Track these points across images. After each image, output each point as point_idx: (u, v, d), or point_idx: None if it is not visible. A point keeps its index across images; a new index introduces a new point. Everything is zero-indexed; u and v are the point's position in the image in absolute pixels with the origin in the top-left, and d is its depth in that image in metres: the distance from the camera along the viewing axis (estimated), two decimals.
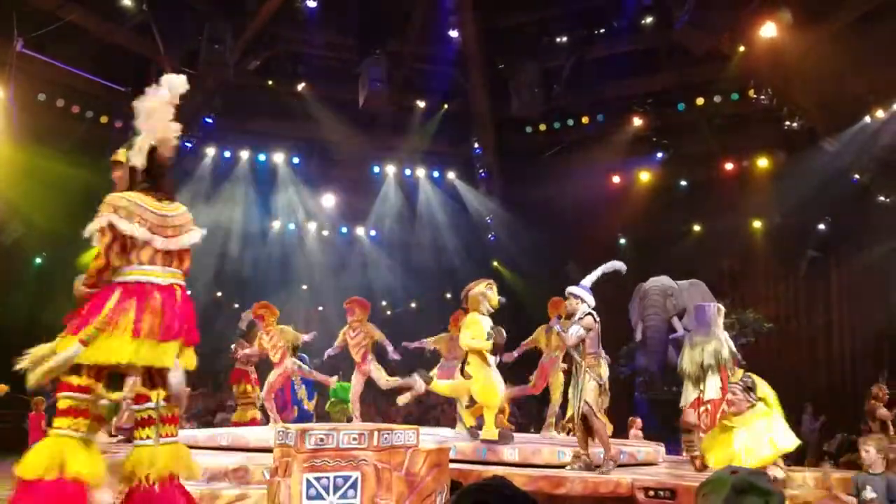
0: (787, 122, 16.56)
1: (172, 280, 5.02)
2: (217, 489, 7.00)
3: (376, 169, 21.46)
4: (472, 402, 8.24)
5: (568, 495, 6.83)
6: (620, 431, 10.59)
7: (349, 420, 10.59)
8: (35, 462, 4.46)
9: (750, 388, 4.97)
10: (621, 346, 16.04)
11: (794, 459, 12.21)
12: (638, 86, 18.84)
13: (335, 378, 11.18)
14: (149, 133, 4.94)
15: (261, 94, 19.24)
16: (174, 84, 4.80)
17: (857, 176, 16.57)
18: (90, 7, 15.52)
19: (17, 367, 4.79)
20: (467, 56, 18.97)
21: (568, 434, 9.39)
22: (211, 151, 19.72)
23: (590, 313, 7.36)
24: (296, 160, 20.68)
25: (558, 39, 18.09)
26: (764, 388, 5.15)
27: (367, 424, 8.56)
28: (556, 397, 9.65)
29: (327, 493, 5.41)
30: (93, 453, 4.82)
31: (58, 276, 18.26)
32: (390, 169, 21.34)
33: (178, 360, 4.70)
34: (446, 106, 20.06)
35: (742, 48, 15.77)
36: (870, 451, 5.59)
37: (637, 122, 18.82)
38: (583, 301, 7.47)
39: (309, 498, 5.37)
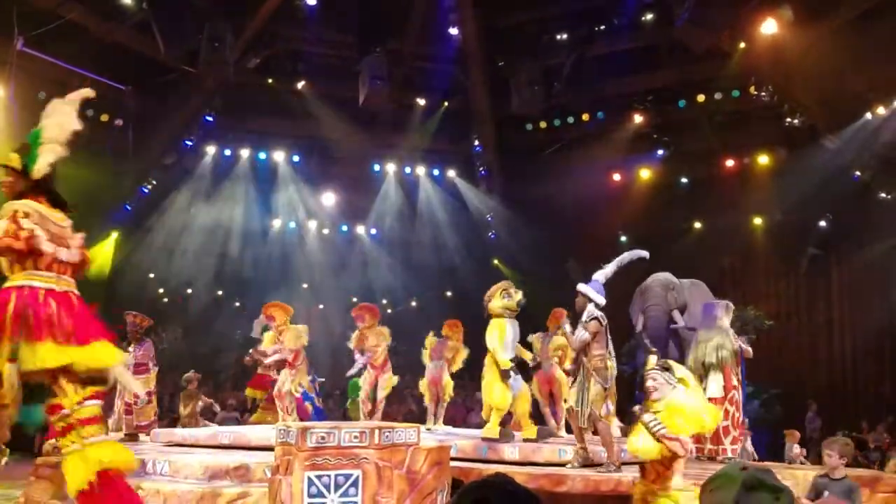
0: (788, 120, 16.53)
1: (67, 288, 5.08)
2: (218, 487, 7.00)
3: (376, 167, 21.44)
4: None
5: (569, 493, 6.84)
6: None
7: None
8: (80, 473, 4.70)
9: (667, 369, 4.96)
10: (623, 343, 16.00)
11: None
12: (638, 83, 18.82)
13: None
14: (55, 144, 5.08)
15: (261, 92, 19.22)
16: (77, 97, 4.95)
17: (858, 173, 16.56)
18: (90, 5, 15.51)
19: None
20: (467, 54, 18.94)
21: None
22: (211, 150, 19.71)
23: (596, 317, 7.30)
24: (296, 158, 20.67)
25: (558, 37, 18.05)
26: (682, 370, 5.12)
27: (368, 423, 8.57)
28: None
29: (328, 491, 5.41)
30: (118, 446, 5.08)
31: None
32: (390, 167, 21.32)
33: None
34: (446, 104, 20.03)
35: (743, 45, 15.74)
36: (832, 455, 5.56)
37: (637, 119, 18.78)
38: (590, 300, 7.41)
39: (310, 496, 5.37)
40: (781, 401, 16.43)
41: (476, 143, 20.66)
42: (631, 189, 19.71)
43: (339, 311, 19.63)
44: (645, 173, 19.60)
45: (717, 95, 17.62)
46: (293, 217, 21.71)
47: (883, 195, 16.47)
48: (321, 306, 21.57)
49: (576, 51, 17.53)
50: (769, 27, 14.64)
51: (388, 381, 10.11)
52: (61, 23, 14.75)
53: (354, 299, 21.69)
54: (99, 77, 16.59)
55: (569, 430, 9.01)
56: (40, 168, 5.09)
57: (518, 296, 8.24)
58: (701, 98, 17.85)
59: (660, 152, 19.23)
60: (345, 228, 22.49)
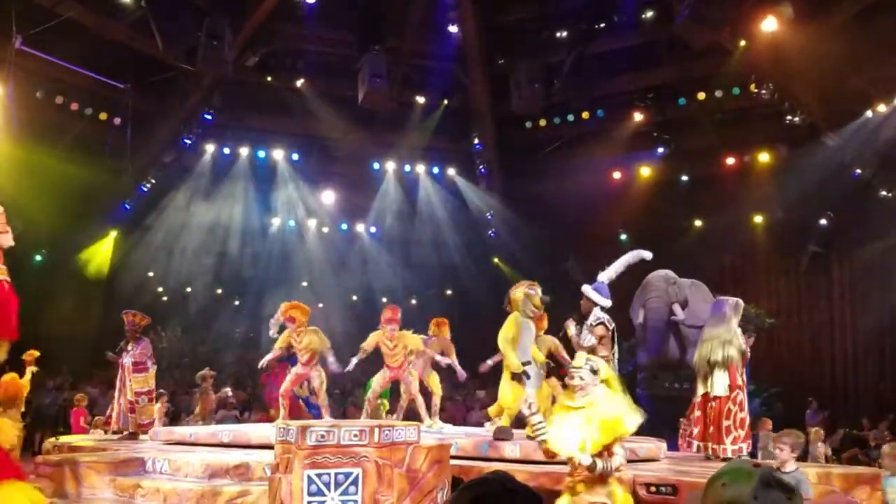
0: (789, 117, 16.50)
1: (3, 277, 5.16)
2: (218, 486, 6.99)
3: (376, 165, 21.41)
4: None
5: None
6: None
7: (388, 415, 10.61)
8: None
9: (595, 371, 4.94)
10: (623, 342, 15.99)
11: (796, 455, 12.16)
12: (638, 81, 18.78)
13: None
14: None
15: (260, 90, 19.19)
16: None
17: (858, 171, 16.53)
18: (89, 4, 15.48)
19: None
20: (467, 52, 18.91)
21: None
22: (210, 148, 19.69)
23: (602, 322, 7.25)
24: (295, 157, 20.64)
25: (558, 34, 18.01)
26: (608, 370, 5.10)
27: (368, 421, 8.55)
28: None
29: (328, 489, 5.39)
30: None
31: (58, 273, 18.26)
32: (390, 165, 21.30)
33: None
34: (446, 102, 20.01)
35: (743, 43, 15.72)
36: (784, 448, 5.49)
37: (638, 117, 18.76)
38: (595, 303, 7.35)
39: (310, 494, 5.35)
40: (782, 399, 16.42)
41: (476, 141, 20.64)
42: (631, 187, 19.68)
43: (338, 310, 19.64)
44: (645, 171, 19.58)
45: (718, 93, 17.59)
46: (293, 215, 21.69)
47: (884, 193, 16.45)
48: (321, 305, 21.54)
49: (576, 48, 17.48)
50: (769, 24, 14.61)
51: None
52: (60, 21, 14.73)
53: (354, 297, 21.78)
54: (97, 75, 16.60)
55: None
56: None
57: (539, 297, 8.14)
58: (701, 96, 17.81)
59: (660, 150, 19.20)
60: (344, 227, 22.47)
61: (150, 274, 20.58)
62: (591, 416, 4.73)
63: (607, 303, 7.34)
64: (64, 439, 9.92)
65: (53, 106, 16.47)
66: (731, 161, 18.57)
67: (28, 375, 10.13)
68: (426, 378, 10.25)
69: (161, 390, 14.60)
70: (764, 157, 18.02)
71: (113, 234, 19.56)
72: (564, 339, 7.65)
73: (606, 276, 7.56)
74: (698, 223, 19.29)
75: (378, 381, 9.96)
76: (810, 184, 16.35)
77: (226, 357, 21.05)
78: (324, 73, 19.19)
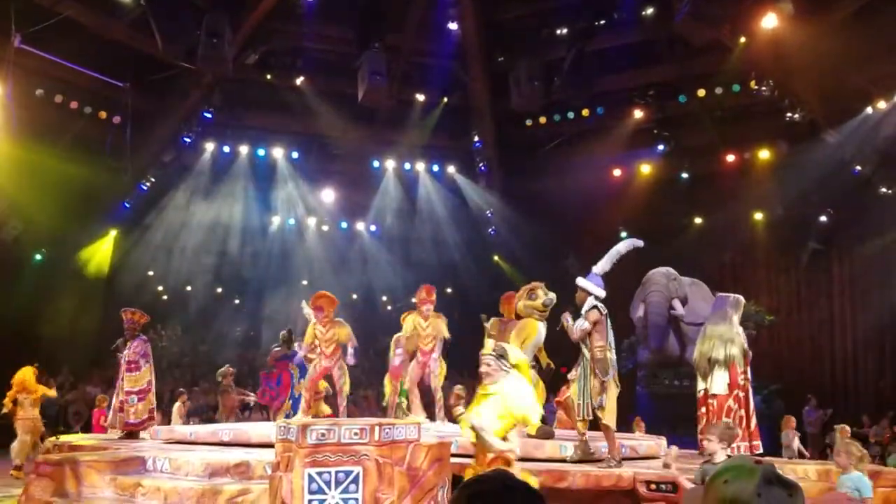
0: (789, 114, 16.48)
1: None
2: (219, 484, 6.99)
3: (376, 163, 21.40)
4: None
5: (570, 489, 6.82)
6: (623, 425, 10.57)
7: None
8: None
9: (502, 356, 4.96)
10: (623, 339, 16.01)
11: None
12: (639, 78, 18.76)
13: None
14: None
15: (260, 88, 19.18)
16: None
17: (858, 168, 16.52)
18: (88, 2, 15.45)
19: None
20: (467, 49, 18.89)
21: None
22: (210, 146, 19.67)
23: (595, 306, 7.29)
24: (295, 155, 20.63)
25: (558, 32, 18.00)
26: (518, 355, 5.12)
27: (368, 419, 8.54)
28: None
29: (329, 487, 5.39)
30: None
31: (58, 272, 18.26)
32: (390, 163, 21.28)
33: None
34: (446, 99, 19.99)
35: (743, 39, 15.69)
36: (712, 440, 5.45)
37: (638, 114, 18.74)
38: (589, 293, 7.40)
39: (311, 493, 5.35)
40: (782, 396, 16.43)
41: (476, 138, 20.63)
42: (631, 184, 19.67)
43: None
44: (645, 168, 19.56)
45: (718, 90, 17.56)
46: (292, 214, 21.68)
47: (884, 190, 16.44)
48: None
49: (575, 45, 17.46)
50: (770, 21, 14.59)
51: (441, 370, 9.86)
52: (59, 20, 14.71)
53: (354, 296, 21.77)
54: (97, 74, 16.57)
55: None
56: None
57: (544, 297, 8.13)
58: (701, 93, 17.79)
59: (660, 147, 19.19)
60: (344, 225, 22.47)
61: (150, 273, 20.59)
62: (497, 403, 4.75)
63: (601, 293, 7.37)
64: (64, 438, 9.93)
65: (53, 105, 16.46)
66: (731, 158, 18.56)
67: (44, 390, 10.29)
68: (401, 373, 10.18)
69: (181, 389, 14.65)
70: (764, 154, 18.01)
71: (113, 233, 19.55)
72: (562, 333, 7.69)
73: (600, 268, 7.59)
74: (698, 220, 19.29)
75: (411, 375, 9.91)
76: (810, 181, 16.35)
77: (226, 356, 21.06)
78: (323, 71, 19.17)
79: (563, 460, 7.44)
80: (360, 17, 17.30)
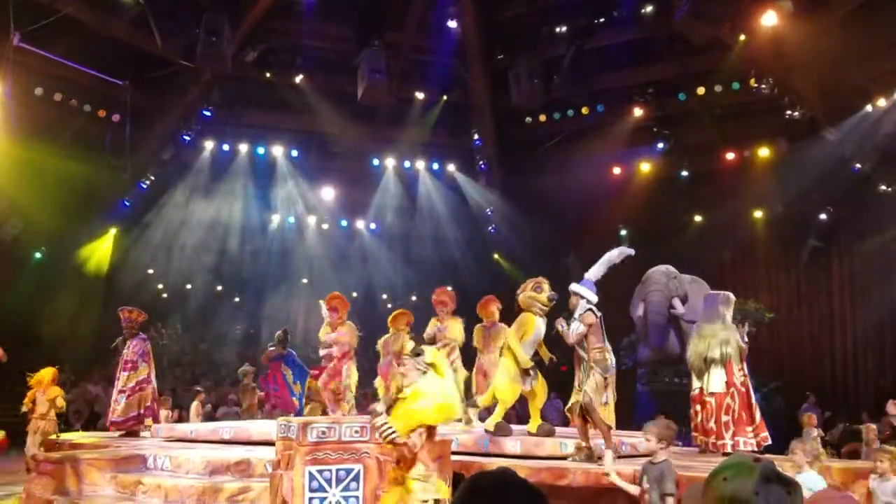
0: (789, 112, 16.47)
1: None
2: (219, 482, 7.00)
3: (376, 161, 21.39)
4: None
5: (570, 486, 6.82)
6: (623, 423, 10.56)
7: None
8: None
9: (418, 355, 4.96)
10: (623, 338, 16.03)
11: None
12: (638, 76, 18.75)
13: None
14: None
15: (259, 86, 19.17)
16: None
17: (858, 165, 16.50)
18: (87, 0, 15.44)
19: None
20: (466, 47, 18.88)
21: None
22: (209, 145, 19.66)
23: (590, 309, 7.32)
24: (294, 153, 20.62)
25: (558, 29, 17.98)
26: (433, 355, 5.11)
27: (368, 417, 8.53)
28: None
29: (330, 485, 5.40)
30: None
31: (57, 271, 18.25)
32: (390, 161, 21.27)
33: None
34: (445, 97, 19.98)
35: (743, 37, 15.67)
36: (650, 439, 5.42)
37: (637, 112, 18.73)
38: (582, 297, 7.43)
39: (311, 490, 5.35)
40: (782, 393, 16.44)
41: (475, 136, 20.62)
42: (631, 182, 19.66)
43: None
44: (645, 166, 19.55)
45: (718, 88, 17.55)
46: (292, 212, 21.67)
47: (883, 187, 16.43)
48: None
49: (575, 43, 17.45)
50: (769, 19, 14.57)
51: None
52: (58, 18, 14.69)
53: (354, 294, 21.76)
54: (96, 72, 16.56)
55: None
56: None
57: (549, 291, 8.12)
58: (701, 91, 17.79)
59: (660, 145, 19.17)
60: (344, 223, 22.46)
61: (150, 271, 20.58)
62: (410, 403, 4.76)
63: (594, 298, 7.40)
64: (65, 436, 9.93)
65: (52, 103, 16.45)
66: (730, 156, 18.55)
67: (56, 392, 10.36)
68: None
69: (198, 387, 14.65)
70: (764, 152, 18.00)
71: (112, 231, 19.55)
72: (557, 338, 7.73)
73: (593, 274, 7.62)
74: (698, 218, 19.28)
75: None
76: (810, 178, 16.34)
77: (226, 354, 21.07)
78: (323, 68, 19.15)
79: (564, 458, 7.44)
80: (359, 14, 17.29)
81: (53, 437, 9.99)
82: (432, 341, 9.61)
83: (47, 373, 11.13)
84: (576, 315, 7.38)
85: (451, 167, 21.68)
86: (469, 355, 10.00)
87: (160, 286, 21.23)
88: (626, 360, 16.07)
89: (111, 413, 10.21)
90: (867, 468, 7.61)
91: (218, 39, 15.50)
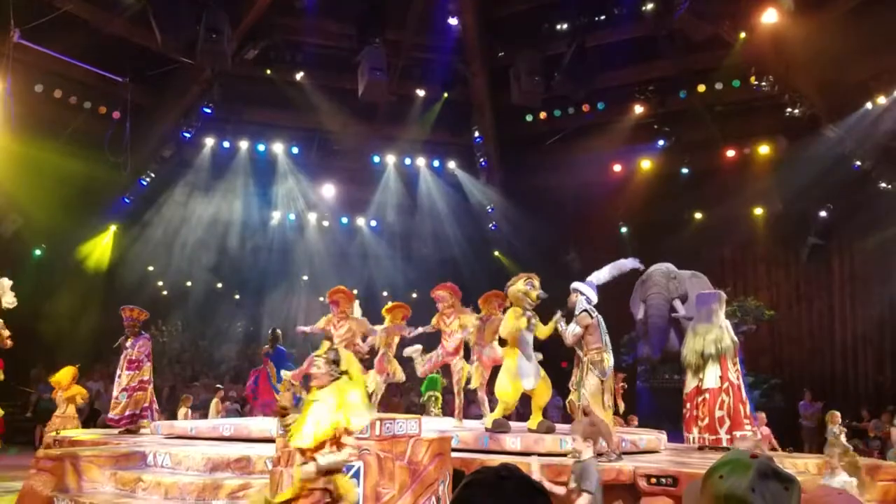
0: (789, 109, 16.47)
1: None
2: (219, 479, 7.00)
3: (376, 158, 21.38)
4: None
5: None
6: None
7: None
8: None
9: (335, 361, 4.90)
10: (623, 335, 16.04)
11: (795, 446, 12.20)
12: (639, 73, 18.74)
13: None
14: None
15: (259, 83, 19.14)
16: None
17: (858, 162, 16.52)
18: None
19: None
20: (467, 44, 18.86)
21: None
22: (210, 142, 19.65)
23: (585, 310, 7.33)
24: (295, 150, 20.61)
25: (558, 27, 17.97)
26: (351, 361, 5.06)
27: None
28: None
29: None
30: None
31: (57, 268, 18.24)
32: (390, 158, 21.27)
33: None
34: (446, 95, 19.96)
35: (743, 35, 15.66)
36: (576, 439, 5.40)
37: (638, 109, 18.73)
38: (582, 295, 7.43)
39: None
40: (781, 390, 16.46)
41: (476, 133, 20.61)
42: (632, 180, 19.66)
43: None
44: (646, 164, 19.54)
45: (718, 85, 17.56)
46: (293, 209, 21.66)
47: (883, 184, 16.43)
48: (321, 299, 21.56)
49: (576, 41, 17.44)
50: (770, 16, 14.57)
51: (463, 368, 9.60)
52: (58, 14, 14.68)
53: (355, 291, 21.74)
54: (96, 69, 16.54)
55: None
56: None
57: (539, 290, 8.09)
58: (702, 88, 17.79)
59: (660, 143, 19.18)
60: (345, 220, 22.45)
61: (150, 268, 20.57)
62: (320, 410, 4.70)
63: (594, 299, 7.40)
64: (65, 433, 9.93)
65: (52, 100, 16.44)
66: (731, 153, 18.55)
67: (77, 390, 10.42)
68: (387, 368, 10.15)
69: (219, 385, 14.66)
70: (764, 150, 18.00)
71: (112, 228, 19.54)
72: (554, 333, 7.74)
73: (597, 277, 7.62)
74: (699, 215, 19.28)
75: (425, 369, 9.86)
76: (810, 176, 16.34)
77: (226, 352, 21.07)
78: (323, 66, 19.13)
79: (563, 455, 7.44)
80: (360, 12, 17.28)
81: (53, 434, 10.00)
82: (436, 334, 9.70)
83: (67, 372, 11.19)
84: (574, 315, 7.41)
85: (451, 164, 21.67)
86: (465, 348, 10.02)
87: (160, 283, 21.22)
88: (625, 358, 16.10)
89: (111, 410, 10.22)
90: (868, 464, 7.62)
91: (218, 36, 15.48)
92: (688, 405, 8.70)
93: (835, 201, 17.33)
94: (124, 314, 10.54)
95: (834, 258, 18.30)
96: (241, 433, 8.91)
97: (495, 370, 8.75)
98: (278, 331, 12.67)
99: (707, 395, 8.45)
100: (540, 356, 8.28)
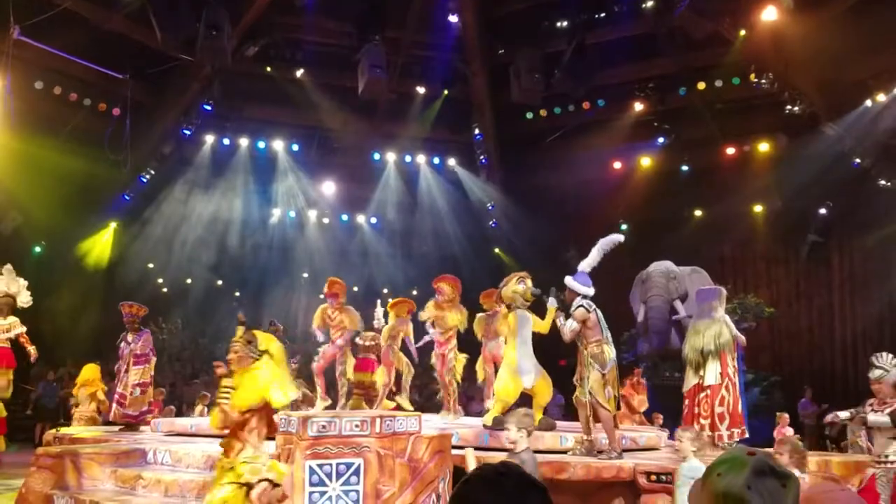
0: (789, 107, 16.47)
1: None
2: None
3: (377, 156, 21.38)
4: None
5: (570, 480, 6.84)
6: (624, 417, 10.60)
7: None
8: None
9: (250, 342, 4.95)
10: (623, 332, 16.05)
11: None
12: (639, 71, 18.74)
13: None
14: None
15: (259, 81, 19.13)
16: None
17: (858, 160, 16.52)
18: None
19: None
20: (467, 42, 18.86)
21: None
22: (210, 139, 19.64)
23: (581, 305, 7.32)
24: (295, 147, 20.61)
25: (558, 24, 17.97)
26: (270, 342, 5.10)
27: (369, 411, 8.56)
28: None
29: (330, 479, 5.40)
30: None
31: (57, 265, 18.24)
32: (391, 156, 21.26)
33: None
34: (446, 92, 19.96)
35: (743, 32, 15.67)
36: (510, 429, 5.35)
37: (638, 107, 18.74)
38: (575, 291, 7.43)
39: (312, 485, 5.36)
40: (781, 388, 16.46)
41: (476, 131, 20.61)
42: (632, 177, 19.66)
43: None
44: (646, 161, 19.55)
45: (718, 83, 17.56)
46: (293, 206, 21.66)
47: (883, 182, 16.43)
48: (321, 296, 21.55)
49: (576, 38, 17.44)
50: (769, 14, 14.57)
51: (455, 360, 9.58)
52: (58, 11, 14.66)
53: (355, 289, 21.75)
54: (96, 66, 16.53)
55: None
56: None
57: (531, 287, 8.07)
58: (701, 86, 17.78)
59: (660, 140, 19.18)
60: (345, 218, 22.45)
61: (150, 266, 20.57)
62: (247, 385, 4.78)
63: (589, 291, 7.39)
64: (65, 431, 9.94)
65: (52, 97, 16.42)
66: (731, 151, 18.55)
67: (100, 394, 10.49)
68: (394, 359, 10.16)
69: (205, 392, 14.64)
70: (764, 147, 18.00)
71: (112, 225, 19.53)
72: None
73: (587, 264, 7.61)
74: (698, 213, 19.29)
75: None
76: (810, 173, 16.34)
77: (226, 349, 21.02)
78: (323, 63, 19.12)
79: (564, 452, 7.46)
80: (360, 9, 17.27)
81: (53, 431, 10.00)
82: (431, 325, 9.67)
83: (94, 370, 11.24)
84: (571, 310, 7.41)
85: (451, 162, 21.67)
86: (474, 344, 10.03)
87: (160, 281, 21.22)
88: (626, 355, 16.11)
89: (125, 406, 10.16)
90: (867, 461, 7.63)
91: (218, 34, 15.47)
92: (687, 402, 8.71)
93: (834, 199, 17.33)
94: (124, 311, 10.55)
95: (833, 256, 18.30)
96: None
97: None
98: (278, 324, 12.61)
99: (708, 392, 8.46)
100: None
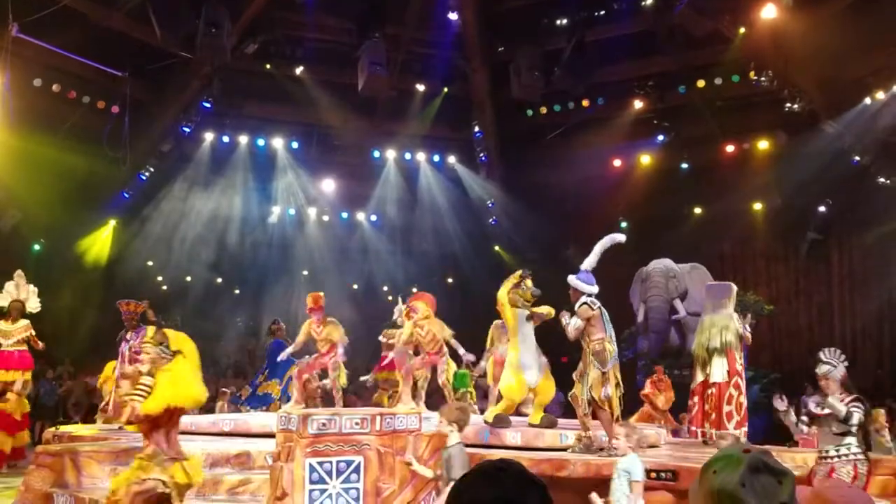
0: (788, 104, 16.48)
1: None
2: (219, 474, 7.01)
3: (376, 153, 21.35)
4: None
5: (570, 477, 6.84)
6: (625, 415, 10.57)
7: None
8: None
9: (161, 342, 4.94)
10: (623, 330, 16.06)
11: (795, 441, 12.19)
12: (638, 68, 18.75)
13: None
14: None
15: (259, 78, 19.11)
16: None
17: (857, 158, 16.53)
18: None
19: None
20: (467, 39, 18.84)
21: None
22: (209, 136, 19.61)
23: (585, 302, 7.32)
24: (295, 145, 20.58)
25: (558, 22, 17.98)
26: (183, 340, 5.09)
27: (369, 409, 8.56)
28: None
29: (330, 477, 5.41)
30: None
31: (56, 262, 18.23)
32: (390, 153, 21.24)
33: None
34: (446, 89, 19.95)
35: (742, 30, 15.67)
36: (442, 421, 5.20)
37: (638, 104, 18.74)
38: (578, 290, 7.42)
39: (312, 482, 5.37)
40: (781, 385, 16.45)
41: (476, 129, 20.60)
42: (631, 175, 19.67)
43: (339, 299, 19.62)
44: (645, 159, 19.56)
45: (718, 80, 17.57)
46: (293, 204, 21.64)
47: (882, 180, 16.43)
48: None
49: (575, 35, 17.44)
50: (769, 12, 14.57)
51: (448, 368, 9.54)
52: (57, 8, 14.63)
53: (355, 286, 21.77)
54: (95, 63, 16.50)
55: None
56: None
57: (532, 287, 8.05)
58: (701, 83, 17.78)
59: (660, 138, 19.19)
60: (345, 215, 22.43)
61: (150, 263, 20.55)
62: (160, 380, 4.81)
63: (593, 289, 7.39)
64: (64, 429, 9.94)
65: (51, 94, 16.40)
66: (730, 148, 18.56)
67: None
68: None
69: (224, 389, 14.67)
70: (763, 145, 18.02)
71: (112, 222, 19.51)
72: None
73: (588, 264, 7.61)
74: (698, 210, 19.30)
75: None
76: (809, 171, 16.35)
77: (226, 345, 21.05)
78: (323, 60, 19.10)
79: (564, 449, 7.46)
80: (359, 7, 17.26)
81: (52, 429, 10.00)
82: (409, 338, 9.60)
83: (112, 367, 11.28)
84: (575, 308, 7.41)
85: (451, 159, 21.66)
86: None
87: (160, 279, 21.20)
88: (626, 353, 16.12)
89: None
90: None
91: (218, 31, 15.46)
92: (695, 399, 8.70)
93: (834, 196, 17.34)
94: (122, 308, 10.55)
95: (833, 253, 18.32)
96: (240, 428, 8.92)
97: None
98: (280, 323, 12.61)
99: (714, 390, 8.46)
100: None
